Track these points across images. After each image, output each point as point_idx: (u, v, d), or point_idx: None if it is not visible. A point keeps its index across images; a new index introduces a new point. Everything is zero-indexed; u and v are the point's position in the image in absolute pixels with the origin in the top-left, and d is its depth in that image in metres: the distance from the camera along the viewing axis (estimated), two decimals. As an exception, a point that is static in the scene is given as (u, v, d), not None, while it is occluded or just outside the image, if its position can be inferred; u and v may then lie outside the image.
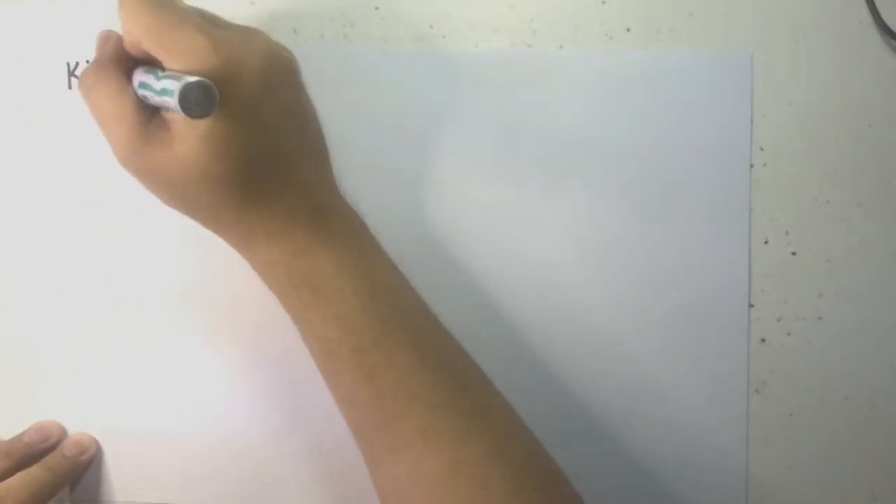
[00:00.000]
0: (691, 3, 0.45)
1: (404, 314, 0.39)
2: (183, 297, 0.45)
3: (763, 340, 0.45)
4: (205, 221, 0.39)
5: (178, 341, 0.45)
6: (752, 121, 0.45)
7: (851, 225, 0.45)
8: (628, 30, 0.45)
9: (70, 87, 0.45)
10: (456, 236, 0.45)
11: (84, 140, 0.45)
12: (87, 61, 0.45)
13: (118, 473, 0.46)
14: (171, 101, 0.33)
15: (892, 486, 0.45)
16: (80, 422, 0.46)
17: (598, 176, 0.45)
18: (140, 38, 0.36)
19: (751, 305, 0.45)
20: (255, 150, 0.37)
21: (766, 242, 0.45)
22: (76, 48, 0.45)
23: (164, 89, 0.34)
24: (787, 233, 0.45)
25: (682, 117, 0.45)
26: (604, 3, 0.45)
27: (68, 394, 0.46)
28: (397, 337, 0.38)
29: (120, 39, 0.39)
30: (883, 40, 0.45)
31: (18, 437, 0.45)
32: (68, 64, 0.45)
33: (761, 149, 0.45)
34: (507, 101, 0.45)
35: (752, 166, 0.45)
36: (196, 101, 0.33)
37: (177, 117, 0.36)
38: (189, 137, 0.36)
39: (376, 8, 0.45)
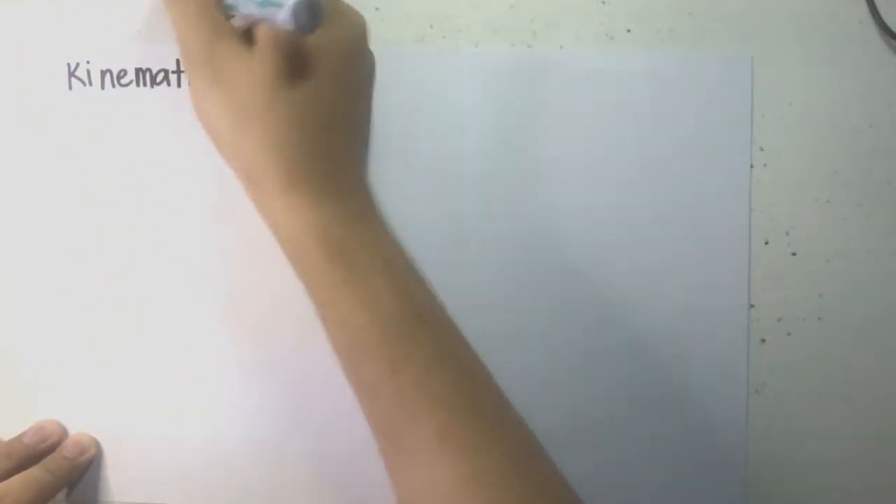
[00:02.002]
0: (691, 3, 0.45)
1: (429, 311, 0.39)
2: (183, 297, 0.45)
3: (763, 340, 0.45)
4: (247, 156, 0.38)
5: (178, 342, 0.45)
6: (752, 121, 0.45)
7: (851, 225, 0.45)
8: (628, 30, 0.45)
9: (70, 87, 0.45)
10: (453, 236, 0.45)
11: (84, 140, 0.45)
12: (88, 62, 0.45)
13: (117, 474, 0.46)
14: (281, 18, 0.34)
15: (892, 487, 0.45)
16: (79, 422, 0.46)
17: (597, 176, 0.45)
18: None
19: (751, 305, 0.45)
20: (328, 98, 0.37)
21: (766, 242, 0.45)
22: (76, 48, 0.45)
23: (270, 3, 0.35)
24: (787, 233, 0.45)
25: (682, 117, 0.45)
26: (604, 3, 0.45)
27: (68, 394, 0.46)
28: (422, 331, 0.38)
29: None
30: (883, 40, 0.45)
31: (19, 438, 0.45)
32: (68, 64, 0.45)
33: (761, 149, 0.45)
34: (507, 101, 0.45)
35: (752, 166, 0.45)
36: (306, 16, 0.34)
37: (263, 30, 0.36)
38: (271, 52, 0.36)
39: (376, 8, 0.45)
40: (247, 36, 0.37)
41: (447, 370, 0.38)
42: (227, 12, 0.37)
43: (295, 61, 0.36)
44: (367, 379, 0.38)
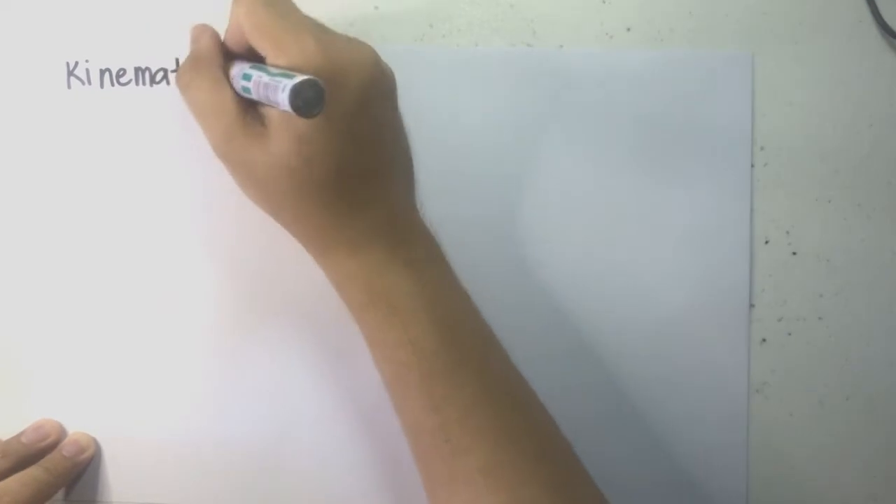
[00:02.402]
0: (691, 3, 0.45)
1: (476, 346, 0.39)
2: (183, 297, 0.45)
3: (764, 340, 0.45)
4: (286, 224, 0.39)
5: (178, 342, 0.45)
6: (752, 121, 0.45)
7: (851, 225, 0.45)
8: (628, 30, 0.45)
9: (69, 86, 0.45)
10: (451, 234, 0.45)
11: (83, 139, 0.45)
12: (87, 60, 0.45)
13: (115, 474, 0.46)
14: (281, 97, 0.33)
15: (892, 487, 0.45)
16: (78, 421, 0.46)
17: (598, 176, 0.45)
18: (251, 32, 0.37)
19: (751, 305, 0.45)
20: (346, 159, 0.37)
21: (766, 242, 0.45)
22: (75, 47, 0.45)
23: (272, 85, 0.34)
24: (787, 233, 0.45)
25: (683, 117, 0.45)
26: (604, 2, 0.45)
27: (67, 393, 0.46)
28: (468, 369, 0.38)
29: (216, 35, 0.40)
30: (883, 40, 0.45)
31: (17, 438, 0.45)
32: (67, 63, 0.45)
33: (761, 149, 0.45)
34: (507, 100, 0.45)
35: (752, 166, 0.45)
36: (306, 99, 0.33)
37: (273, 113, 0.36)
38: (283, 136, 0.36)
39: (376, 7, 0.45)
40: (260, 114, 0.37)
41: (491, 408, 0.38)
42: (242, 83, 0.37)
43: (307, 137, 0.36)
44: (411, 414, 0.39)
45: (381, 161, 0.39)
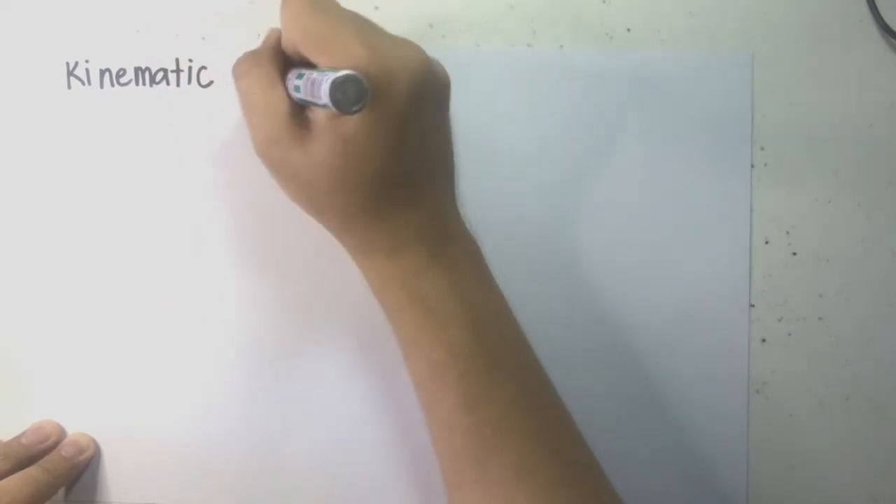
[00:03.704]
0: (691, 3, 0.45)
1: (511, 348, 0.39)
2: (182, 297, 0.45)
3: (764, 340, 0.45)
4: (328, 224, 0.39)
5: (177, 342, 0.45)
6: (752, 121, 0.45)
7: (851, 225, 0.45)
8: (628, 30, 0.45)
9: (69, 86, 0.45)
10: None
11: (83, 139, 0.45)
12: (87, 61, 0.45)
13: (115, 474, 0.46)
14: (323, 90, 0.32)
15: (892, 487, 0.45)
16: (78, 422, 0.46)
17: (598, 176, 0.45)
18: (299, 38, 0.37)
19: (751, 305, 0.45)
20: (390, 161, 0.37)
21: (766, 242, 0.45)
22: (76, 48, 0.45)
23: (318, 79, 0.33)
24: (787, 233, 0.45)
25: (683, 117, 0.45)
26: (604, 2, 0.45)
27: (67, 394, 0.46)
28: (504, 369, 0.38)
29: (280, 37, 0.40)
30: (883, 40, 0.45)
31: (17, 439, 0.45)
32: (68, 64, 0.45)
33: (761, 149, 0.45)
34: (507, 100, 0.45)
35: (752, 166, 0.45)
36: (346, 93, 0.32)
37: (320, 117, 0.36)
38: (328, 137, 0.36)
39: (376, 8, 0.45)
40: (307, 118, 0.37)
41: (527, 411, 0.38)
42: (295, 81, 0.36)
43: (351, 138, 0.36)
44: (444, 414, 0.38)
45: (426, 164, 0.38)
